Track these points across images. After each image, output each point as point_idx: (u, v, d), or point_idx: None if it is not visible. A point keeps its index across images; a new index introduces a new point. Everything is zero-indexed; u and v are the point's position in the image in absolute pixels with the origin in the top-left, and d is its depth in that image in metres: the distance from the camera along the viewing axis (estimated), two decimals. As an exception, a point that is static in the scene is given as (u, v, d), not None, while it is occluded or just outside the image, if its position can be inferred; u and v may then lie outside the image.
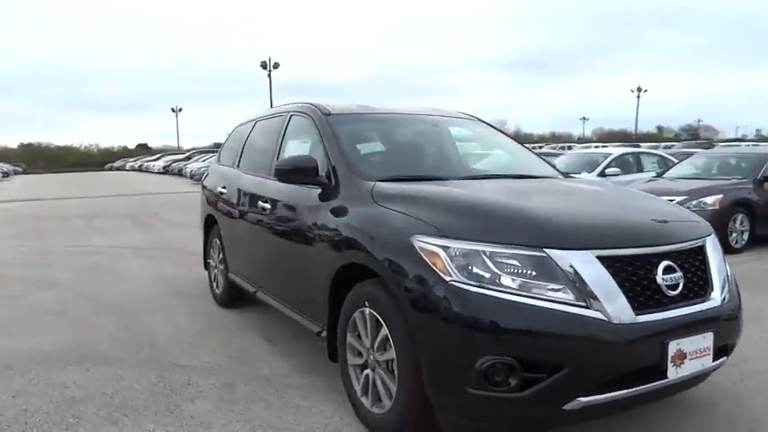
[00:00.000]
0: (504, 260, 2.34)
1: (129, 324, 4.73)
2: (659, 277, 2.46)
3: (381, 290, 2.69)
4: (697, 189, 8.00)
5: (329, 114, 3.77)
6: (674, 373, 2.38)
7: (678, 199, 7.55)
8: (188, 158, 36.70)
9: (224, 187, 4.94)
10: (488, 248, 2.36)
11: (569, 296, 2.27)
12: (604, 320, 2.26)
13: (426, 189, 2.95)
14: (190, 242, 8.87)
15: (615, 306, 2.29)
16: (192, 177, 27.48)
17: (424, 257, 2.43)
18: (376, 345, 2.76)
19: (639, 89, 45.91)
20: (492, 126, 4.41)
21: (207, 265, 5.58)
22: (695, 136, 64.76)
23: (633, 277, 2.40)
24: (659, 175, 9.62)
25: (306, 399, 3.27)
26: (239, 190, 4.58)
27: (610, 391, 2.30)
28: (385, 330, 2.66)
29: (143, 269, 7.02)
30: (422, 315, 2.41)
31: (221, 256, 5.09)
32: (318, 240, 3.24)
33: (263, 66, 43.41)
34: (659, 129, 78.41)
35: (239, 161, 4.95)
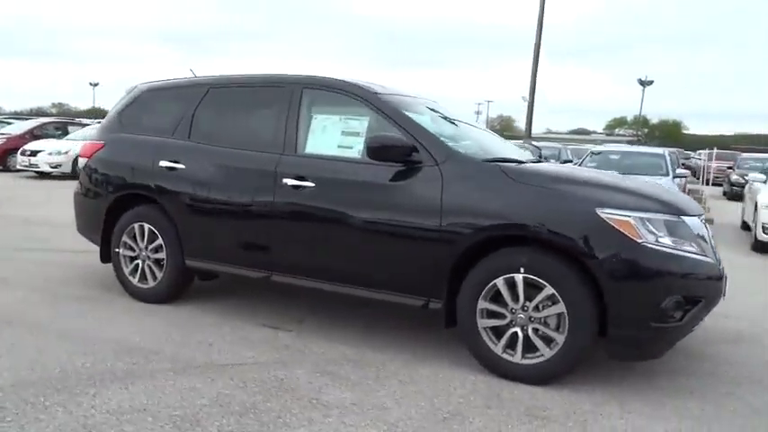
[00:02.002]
0: (662, 225, 3.10)
1: (74, 336, 3.77)
2: (708, 234, 3.57)
3: (545, 255, 3.14)
4: None
5: (379, 93, 3.83)
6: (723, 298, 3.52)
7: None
8: None
9: (175, 161, 4.27)
10: (656, 216, 3.10)
11: (696, 248, 3.17)
12: (713, 263, 3.24)
13: (563, 170, 3.48)
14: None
15: (712, 254, 3.29)
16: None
17: (614, 225, 3.01)
18: (532, 305, 3.18)
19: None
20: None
21: (112, 257, 4.64)
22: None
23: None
24: None
25: (420, 369, 3.41)
26: (225, 166, 4.09)
27: (708, 313, 3.30)
28: (549, 290, 3.12)
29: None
30: (617, 270, 2.99)
31: (156, 242, 4.38)
32: (424, 217, 3.39)
33: None
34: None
35: (189, 133, 4.35)
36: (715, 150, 21.81)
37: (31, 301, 4.45)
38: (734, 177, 16.41)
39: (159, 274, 4.42)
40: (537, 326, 3.19)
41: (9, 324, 3.95)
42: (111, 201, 4.57)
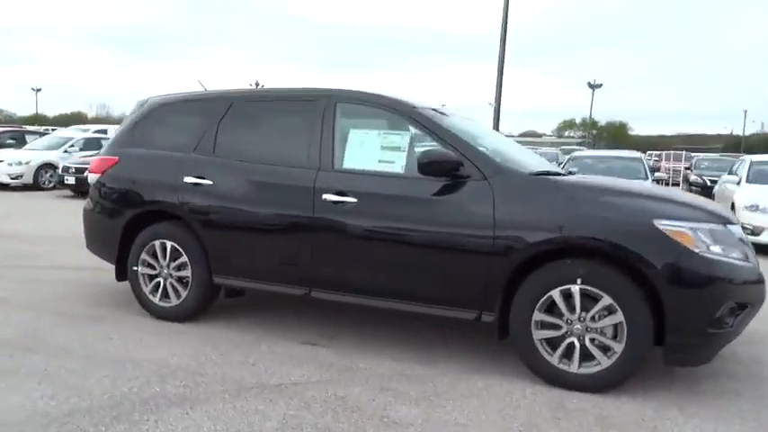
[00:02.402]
0: (712, 234, 3.20)
1: (106, 360, 3.61)
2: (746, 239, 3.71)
3: (603, 267, 3.20)
4: None
5: (417, 108, 3.83)
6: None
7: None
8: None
9: (201, 177, 4.15)
10: (707, 226, 3.20)
11: (741, 255, 3.29)
12: (755, 268, 3.37)
13: (609, 183, 3.54)
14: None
15: (754, 259, 3.42)
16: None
17: (671, 236, 3.09)
18: (589, 316, 3.23)
19: (258, 83, 49.02)
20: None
21: (129, 275, 4.46)
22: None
23: None
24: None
25: (474, 382, 3.41)
26: (257, 182, 3.99)
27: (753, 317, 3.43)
28: (607, 300, 3.17)
29: None
30: (677, 279, 3.07)
31: (180, 260, 4.25)
32: (477, 231, 3.40)
33: None
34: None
35: (214, 148, 4.23)
36: (684, 152, 22.75)
37: (45, 324, 4.24)
38: (693, 178, 17.11)
39: (183, 292, 4.28)
40: (594, 335, 3.24)
41: (30, 350, 3.74)
42: (128, 218, 4.40)
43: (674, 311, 3.10)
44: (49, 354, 3.68)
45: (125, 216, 4.42)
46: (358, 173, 3.78)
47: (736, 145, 57.21)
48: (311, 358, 3.72)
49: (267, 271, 4.01)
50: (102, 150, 4.81)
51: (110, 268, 4.63)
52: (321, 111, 3.95)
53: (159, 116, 4.58)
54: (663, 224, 3.14)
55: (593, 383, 3.26)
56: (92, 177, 4.68)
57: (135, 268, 4.41)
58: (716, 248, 3.18)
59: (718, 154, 28.37)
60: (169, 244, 4.28)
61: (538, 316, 3.33)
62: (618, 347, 3.19)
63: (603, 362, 3.23)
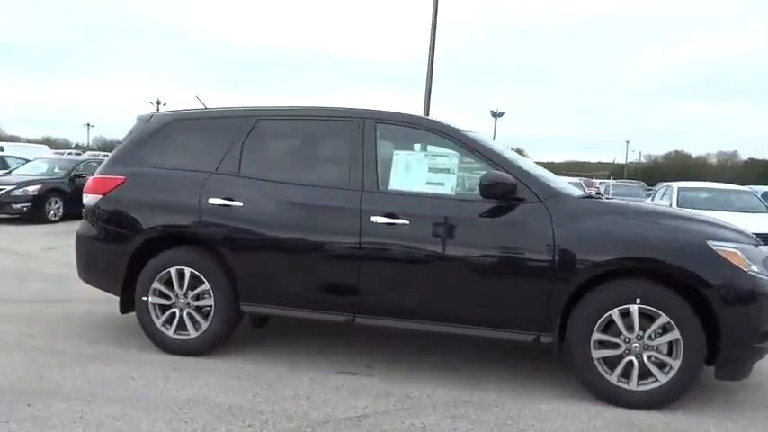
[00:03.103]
0: (748, 254, 3.45)
1: (143, 402, 3.28)
2: None
3: (660, 286, 3.36)
4: (24, 181, 11.88)
5: (462, 131, 3.86)
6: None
7: (8, 188, 11.43)
8: None
9: (230, 198, 3.91)
10: (746, 247, 3.46)
11: None
12: None
13: (650, 206, 3.73)
14: None
15: (776, 276, 3.74)
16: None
17: (725, 257, 3.31)
18: (647, 334, 3.37)
19: (159, 102, 47.01)
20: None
21: (137, 307, 4.08)
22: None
23: None
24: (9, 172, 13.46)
25: (538, 405, 3.43)
26: (295, 203, 3.81)
27: None
28: (663, 319, 3.33)
29: None
30: (731, 297, 3.29)
31: (200, 288, 3.95)
32: (537, 253, 3.46)
33: None
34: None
35: (239, 167, 4.01)
36: (609, 180, 24.53)
37: (44, 365, 3.77)
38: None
39: (204, 323, 3.97)
40: (651, 353, 3.38)
41: (47, 395, 3.32)
42: (138, 244, 4.05)
43: (728, 327, 3.30)
44: (73, 398, 3.28)
45: (134, 242, 4.06)
46: (408, 195, 3.73)
47: (619, 172, 62.12)
48: (362, 388, 3.58)
49: (306, 297, 3.83)
50: (101, 169, 4.38)
51: (81, 299, 4.23)
52: (360, 131, 3.87)
53: (169, 133, 4.27)
54: (716, 245, 3.35)
55: (651, 400, 3.38)
56: (89, 199, 4.26)
57: (145, 299, 4.04)
58: (754, 267, 3.43)
59: (613, 180, 30.75)
60: (188, 271, 3.97)
61: (596, 335, 3.42)
62: (675, 364, 3.34)
63: (661, 378, 3.37)
